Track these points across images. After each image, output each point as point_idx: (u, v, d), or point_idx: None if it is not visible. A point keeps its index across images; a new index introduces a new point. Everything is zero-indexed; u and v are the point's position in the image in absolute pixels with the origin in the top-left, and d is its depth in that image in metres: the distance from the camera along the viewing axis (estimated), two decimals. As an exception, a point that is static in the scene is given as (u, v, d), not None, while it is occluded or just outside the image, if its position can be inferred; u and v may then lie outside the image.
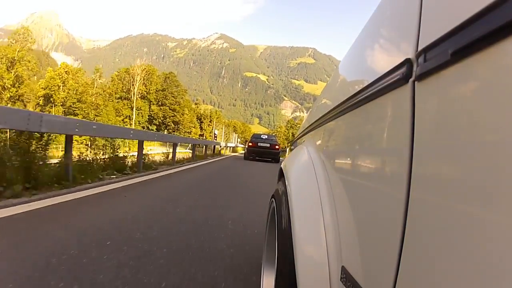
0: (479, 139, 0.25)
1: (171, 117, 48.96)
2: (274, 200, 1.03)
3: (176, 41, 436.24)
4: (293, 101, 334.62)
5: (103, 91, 42.45)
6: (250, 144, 12.20)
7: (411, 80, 0.35)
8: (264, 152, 11.81)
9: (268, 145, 11.91)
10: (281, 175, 1.12)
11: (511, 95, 0.21)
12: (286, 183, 0.87)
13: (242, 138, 60.62)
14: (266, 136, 13.08)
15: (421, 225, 0.31)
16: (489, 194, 0.23)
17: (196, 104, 69.18)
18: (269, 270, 1.07)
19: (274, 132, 67.72)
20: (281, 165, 1.21)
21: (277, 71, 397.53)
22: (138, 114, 45.18)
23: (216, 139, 24.75)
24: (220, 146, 18.57)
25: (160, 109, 48.64)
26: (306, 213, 0.68)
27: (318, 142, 0.97)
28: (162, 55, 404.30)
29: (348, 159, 0.63)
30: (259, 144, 11.94)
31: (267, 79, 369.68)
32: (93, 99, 37.75)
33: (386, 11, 0.54)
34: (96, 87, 41.27)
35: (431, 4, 0.34)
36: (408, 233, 0.32)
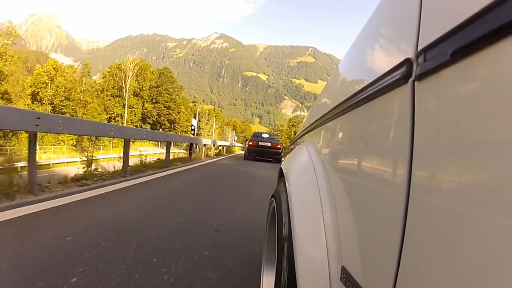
0: (479, 139, 0.25)
1: (166, 115, 44.69)
2: (274, 200, 1.03)
3: (175, 41, 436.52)
4: (294, 100, 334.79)
5: (92, 88, 39.44)
6: (251, 143, 11.42)
7: (411, 80, 0.35)
8: (265, 152, 11.12)
9: (269, 144, 11.20)
10: (281, 175, 1.12)
11: (511, 95, 0.21)
12: (286, 183, 0.87)
13: (243, 137, 59.59)
14: (268, 135, 12.32)
15: (421, 225, 0.31)
16: (489, 194, 0.23)
17: (193, 102, 64.34)
18: (269, 270, 1.07)
19: (275, 131, 64.86)
20: (281, 165, 1.21)
21: (277, 70, 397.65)
22: (130, 112, 41.35)
23: (194, 133, 13.90)
24: (205, 146, 11.01)
25: (154, 106, 44.31)
26: (306, 213, 0.68)
27: (318, 142, 0.97)
28: (162, 55, 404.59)
29: (348, 159, 0.63)
30: (260, 143, 11.23)
31: (267, 79, 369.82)
32: (81, 96, 35.12)
33: (386, 11, 0.53)
34: (84, 83, 38.24)
35: (431, 4, 0.34)
36: (408, 233, 0.32)
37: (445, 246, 0.26)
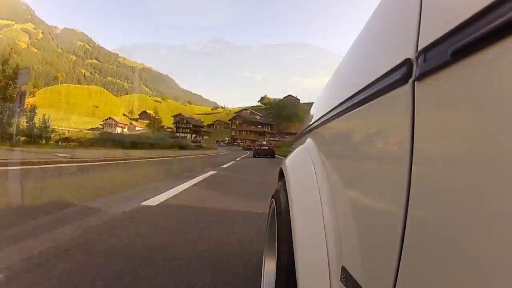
0: (479, 139, 0.25)
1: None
2: (274, 200, 1.03)
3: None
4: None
5: None
6: (256, 147, 20.73)
7: (411, 80, 0.35)
8: (265, 152, 19.72)
9: (267, 148, 20.22)
10: (281, 175, 1.12)
11: (511, 95, 0.21)
12: (286, 183, 0.87)
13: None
14: (265, 142, 22.26)
15: (421, 225, 0.31)
16: (489, 195, 0.23)
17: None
18: (270, 270, 1.07)
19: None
20: (281, 165, 1.21)
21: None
22: None
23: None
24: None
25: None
26: (306, 213, 0.68)
27: (318, 142, 0.97)
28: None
29: (348, 159, 0.63)
30: (262, 147, 20.27)
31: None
32: None
33: (386, 11, 0.53)
34: None
35: (431, 4, 0.34)
36: (408, 233, 0.32)
37: (445, 246, 0.26)
